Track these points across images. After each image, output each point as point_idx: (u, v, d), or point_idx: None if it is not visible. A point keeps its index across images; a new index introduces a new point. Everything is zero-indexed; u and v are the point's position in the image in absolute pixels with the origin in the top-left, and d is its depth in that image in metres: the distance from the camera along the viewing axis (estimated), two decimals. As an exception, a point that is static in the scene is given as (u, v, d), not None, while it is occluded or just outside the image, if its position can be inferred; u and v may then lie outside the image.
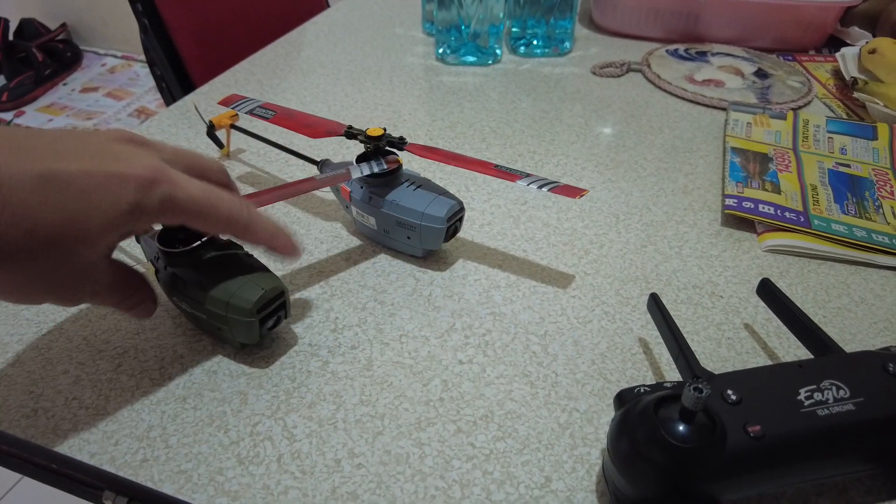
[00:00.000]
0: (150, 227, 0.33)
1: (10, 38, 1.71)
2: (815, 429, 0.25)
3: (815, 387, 0.26)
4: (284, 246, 0.32)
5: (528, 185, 0.36)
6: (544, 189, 0.36)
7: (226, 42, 0.90)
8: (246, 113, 0.44)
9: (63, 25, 1.86)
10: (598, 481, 0.28)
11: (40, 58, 1.65)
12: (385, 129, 0.40)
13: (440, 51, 0.73)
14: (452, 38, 0.72)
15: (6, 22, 1.66)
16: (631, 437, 0.25)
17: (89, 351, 0.35)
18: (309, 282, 0.40)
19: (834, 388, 0.26)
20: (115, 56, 1.81)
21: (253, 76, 0.69)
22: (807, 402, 0.25)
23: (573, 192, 0.36)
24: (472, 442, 0.30)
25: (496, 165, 0.37)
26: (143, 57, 1.80)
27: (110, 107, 1.60)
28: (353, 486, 0.28)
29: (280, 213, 0.46)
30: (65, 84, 1.71)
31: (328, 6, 0.97)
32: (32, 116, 1.57)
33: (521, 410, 0.31)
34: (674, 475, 0.24)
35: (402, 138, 0.40)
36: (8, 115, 1.52)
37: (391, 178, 0.40)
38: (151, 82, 1.72)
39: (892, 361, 0.27)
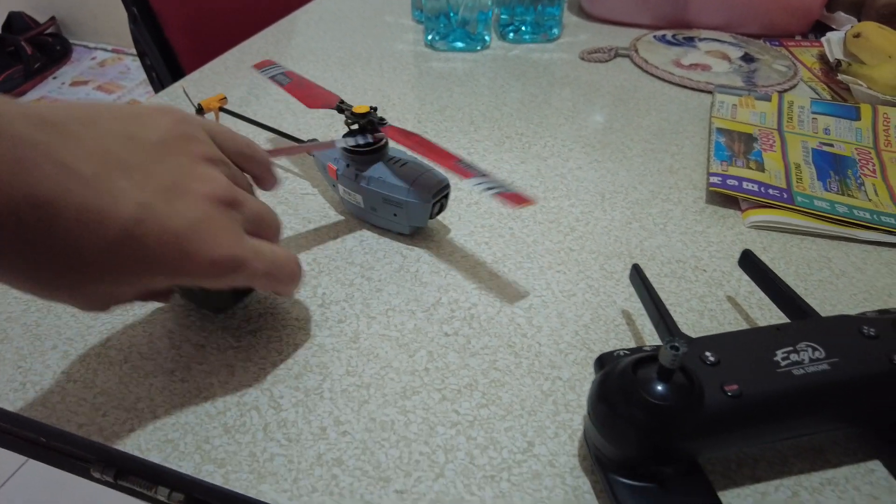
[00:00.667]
0: None
1: (-1, 32, 1.70)
2: (790, 388, 0.25)
3: (791, 348, 0.27)
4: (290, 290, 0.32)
5: (475, 185, 0.35)
6: (490, 193, 0.35)
7: (217, 32, 0.90)
8: (268, 77, 0.46)
9: (52, 19, 1.85)
10: (581, 445, 0.29)
11: (29, 51, 1.64)
12: (372, 108, 0.40)
13: (429, 37, 0.73)
14: (441, 25, 0.72)
15: (-5, 16, 1.65)
16: (610, 398, 0.25)
17: (78, 327, 0.35)
18: (296, 259, 0.40)
19: (810, 349, 0.26)
20: (105, 50, 1.81)
21: (243, 63, 0.69)
22: (783, 363, 0.26)
23: (518, 200, 0.34)
24: (457, 409, 0.30)
25: (458, 161, 0.37)
26: (133, 51, 1.80)
27: (101, 100, 1.59)
28: (338, 452, 0.28)
29: (269, 194, 0.47)
30: (54, 78, 1.70)
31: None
32: (23, 111, 1.57)
33: (505, 379, 0.32)
34: (653, 434, 0.24)
35: (381, 119, 0.40)
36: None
37: (377, 154, 0.40)
38: (142, 76, 1.71)
39: (867, 324, 0.28)
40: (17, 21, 1.71)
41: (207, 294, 0.34)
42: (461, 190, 0.47)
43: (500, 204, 0.45)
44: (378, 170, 0.40)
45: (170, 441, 0.29)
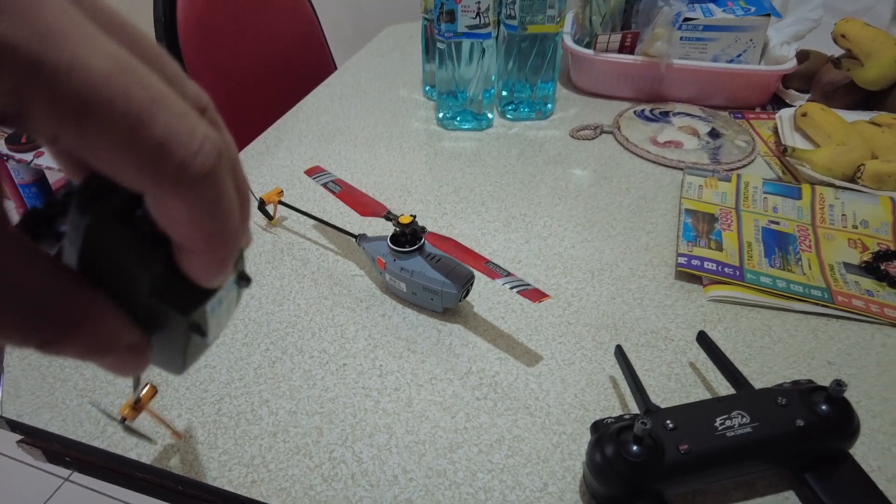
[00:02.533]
0: None
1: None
2: (725, 445, 0.37)
3: (727, 416, 0.38)
4: (213, 252, 0.16)
5: (503, 284, 0.47)
6: (514, 290, 0.47)
7: (246, 103, 1.01)
8: (321, 184, 0.57)
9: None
10: (581, 485, 0.40)
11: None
12: (414, 217, 0.51)
13: (440, 115, 0.84)
14: (450, 105, 0.83)
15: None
16: (602, 454, 0.37)
17: (194, 399, 0.46)
18: (356, 336, 0.51)
19: (739, 416, 0.38)
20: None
21: (282, 143, 0.80)
22: (720, 427, 0.37)
23: (536, 296, 0.46)
24: (491, 459, 0.42)
25: (486, 262, 0.49)
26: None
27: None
28: (408, 494, 0.39)
29: (324, 275, 0.58)
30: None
31: (335, 68, 1.09)
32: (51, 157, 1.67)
33: (525, 434, 0.43)
34: (631, 480, 0.36)
35: (423, 228, 0.52)
36: (28, 156, 1.61)
37: (417, 252, 0.52)
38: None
39: (781, 395, 0.39)
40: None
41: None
42: (480, 275, 0.58)
43: (547, 257, 0.56)
44: (418, 264, 0.51)
45: (283, 489, 0.40)
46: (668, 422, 0.37)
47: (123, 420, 0.39)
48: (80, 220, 0.15)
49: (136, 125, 0.13)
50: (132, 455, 0.42)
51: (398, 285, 0.53)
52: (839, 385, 0.37)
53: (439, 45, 0.77)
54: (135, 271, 0.16)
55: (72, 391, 0.47)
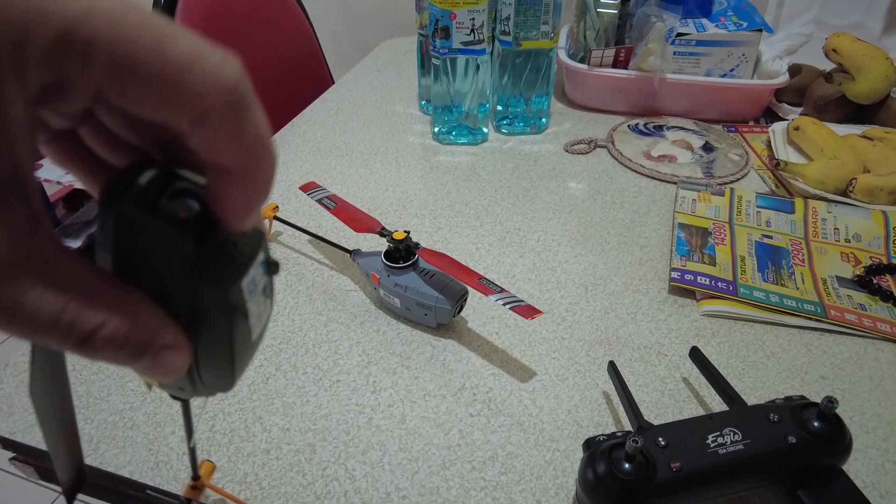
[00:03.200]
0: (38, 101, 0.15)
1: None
2: (717, 463, 0.37)
3: (718, 433, 0.38)
4: (261, 164, 0.17)
5: (496, 300, 0.47)
6: (507, 307, 0.47)
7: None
8: (316, 200, 0.57)
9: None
10: (574, 503, 0.40)
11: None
12: (408, 233, 0.51)
13: (436, 129, 0.85)
14: (446, 119, 0.84)
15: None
16: (594, 472, 0.37)
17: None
18: (350, 352, 0.51)
19: (731, 433, 0.38)
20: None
21: (278, 158, 0.80)
22: (712, 445, 0.37)
23: (529, 312, 0.46)
24: (484, 476, 0.41)
25: (480, 279, 0.49)
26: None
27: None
28: (401, 512, 0.39)
29: (319, 290, 0.58)
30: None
31: (333, 82, 1.10)
32: (49, 170, 1.65)
33: (518, 451, 0.43)
34: (623, 498, 0.36)
35: (417, 244, 0.52)
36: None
37: (411, 267, 0.52)
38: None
39: (773, 412, 0.39)
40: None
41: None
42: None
43: (542, 271, 0.57)
44: (412, 279, 0.51)
45: (276, 506, 0.40)
46: (660, 439, 0.37)
47: (189, 502, 0.38)
48: (108, 218, 0.15)
49: (162, 49, 0.13)
50: (124, 473, 0.42)
51: (392, 301, 0.53)
52: (830, 402, 0.37)
53: (435, 60, 0.78)
54: (167, 254, 0.16)
55: (65, 408, 0.46)
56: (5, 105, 0.12)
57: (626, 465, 0.35)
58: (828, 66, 0.89)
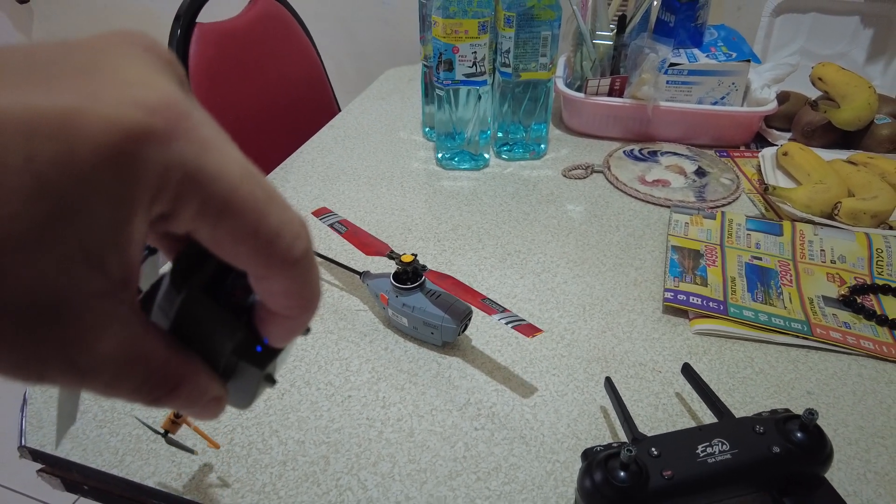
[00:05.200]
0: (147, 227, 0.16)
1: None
2: (706, 471, 0.39)
3: (708, 443, 0.41)
4: (305, 316, 0.19)
5: (499, 319, 0.50)
6: (509, 326, 0.50)
7: (255, 143, 1.06)
8: (327, 225, 0.60)
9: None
10: (574, 510, 0.43)
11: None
12: (415, 256, 0.55)
13: (439, 156, 0.89)
14: (449, 146, 0.88)
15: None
16: (591, 480, 0.39)
17: (206, 428, 0.49)
18: (360, 369, 0.54)
19: (720, 443, 0.41)
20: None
21: (288, 183, 0.84)
22: (702, 454, 0.40)
23: (530, 331, 0.49)
24: (488, 486, 0.44)
25: (483, 299, 0.52)
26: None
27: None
28: (410, 519, 0.42)
29: (330, 310, 0.61)
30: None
31: (339, 108, 1.14)
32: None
33: (521, 463, 0.46)
34: (619, 504, 0.38)
35: (424, 266, 0.55)
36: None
37: (418, 288, 0.55)
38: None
39: (759, 424, 0.42)
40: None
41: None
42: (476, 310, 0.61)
43: (542, 292, 0.60)
44: (419, 300, 0.54)
45: (293, 515, 0.42)
46: (653, 449, 0.40)
47: (166, 433, 0.42)
48: (175, 296, 0.18)
49: (258, 219, 0.16)
50: (150, 483, 0.45)
51: (400, 320, 0.56)
52: (811, 414, 0.40)
53: (438, 91, 0.82)
54: (221, 336, 0.18)
55: (91, 422, 0.49)
56: (133, 229, 0.15)
57: (621, 474, 0.38)
58: (814, 93, 0.93)
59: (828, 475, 0.42)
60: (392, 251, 0.57)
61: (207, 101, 0.98)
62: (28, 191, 0.13)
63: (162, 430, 0.43)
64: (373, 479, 0.45)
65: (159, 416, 0.48)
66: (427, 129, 0.97)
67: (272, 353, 0.20)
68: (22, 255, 0.13)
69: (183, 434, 0.45)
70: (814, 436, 0.41)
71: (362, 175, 0.86)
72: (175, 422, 0.43)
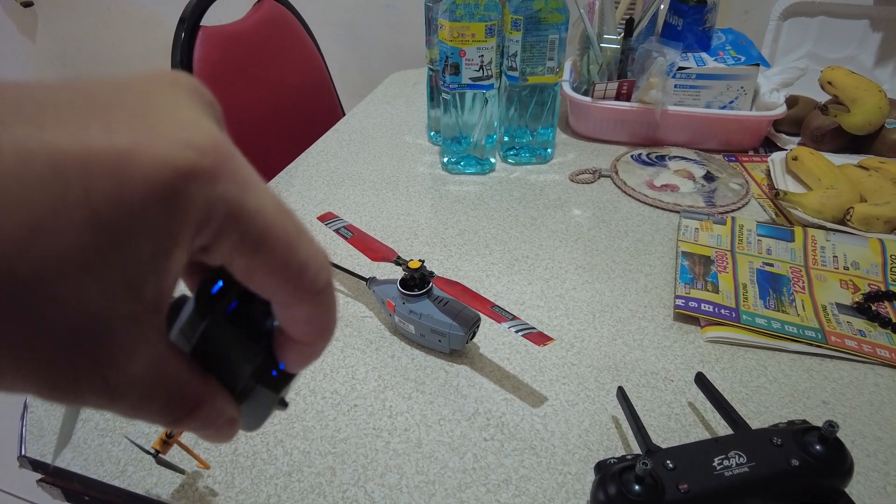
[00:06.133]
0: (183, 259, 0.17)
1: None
2: (723, 484, 0.38)
3: (724, 456, 0.40)
4: (324, 343, 0.20)
5: (508, 327, 0.49)
6: (519, 334, 0.49)
7: (259, 148, 1.05)
8: (333, 230, 0.59)
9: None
10: (586, 524, 0.41)
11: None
12: (422, 262, 0.54)
13: (445, 160, 0.88)
14: (454, 150, 0.87)
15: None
16: (605, 494, 0.38)
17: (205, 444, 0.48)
18: (366, 377, 0.53)
19: (737, 456, 0.40)
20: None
21: (293, 187, 0.83)
22: (718, 467, 0.39)
23: (540, 339, 0.48)
24: (498, 499, 0.43)
25: (492, 306, 0.51)
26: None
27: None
28: (419, 533, 0.41)
29: (334, 317, 0.60)
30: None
31: (343, 112, 1.13)
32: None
33: (531, 475, 0.45)
34: (634, 519, 0.37)
35: (431, 272, 0.54)
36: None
37: (425, 295, 0.54)
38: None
39: (776, 435, 0.41)
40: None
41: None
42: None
43: (551, 298, 0.59)
44: (426, 307, 0.53)
45: (298, 527, 0.41)
46: (668, 462, 0.39)
47: (157, 453, 0.42)
48: (199, 322, 0.18)
49: (289, 252, 0.17)
50: (152, 495, 0.44)
51: (407, 327, 0.55)
52: (831, 426, 0.39)
53: (444, 95, 0.81)
54: (241, 361, 0.19)
55: (93, 431, 0.48)
56: (172, 260, 0.16)
57: (636, 487, 0.37)
58: (823, 97, 0.92)
59: (847, 488, 0.40)
60: (399, 257, 0.56)
61: (211, 104, 0.98)
62: (82, 223, 0.14)
63: (153, 451, 0.42)
64: (380, 490, 0.44)
65: (151, 435, 0.47)
66: (432, 134, 0.96)
67: (288, 378, 0.20)
68: (70, 283, 0.14)
69: (175, 454, 0.44)
70: (834, 448, 0.39)
71: (367, 179, 0.85)
72: (166, 442, 0.42)
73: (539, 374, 0.53)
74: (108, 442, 0.48)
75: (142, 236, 0.15)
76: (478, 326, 0.54)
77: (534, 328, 0.49)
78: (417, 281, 0.54)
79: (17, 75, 2.08)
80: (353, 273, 0.61)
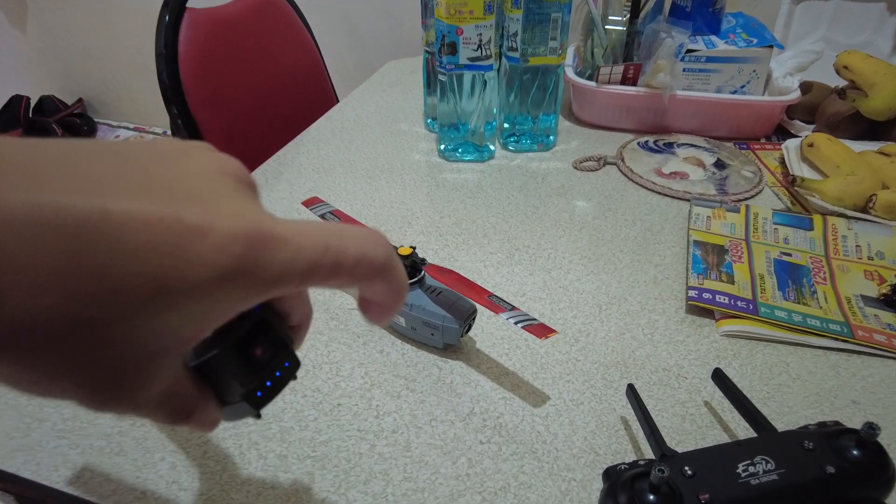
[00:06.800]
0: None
1: (31, 114, 1.81)
2: (749, 495, 0.34)
3: (749, 461, 0.35)
4: (401, 301, 0.24)
5: (507, 318, 0.45)
6: (519, 325, 0.44)
7: (249, 136, 1.01)
8: (318, 215, 0.55)
9: (79, 101, 1.97)
10: (593, 538, 0.37)
11: (59, 132, 1.74)
12: (413, 249, 0.49)
13: (442, 147, 0.83)
14: (452, 137, 0.82)
15: (27, 100, 1.77)
16: (615, 505, 0.34)
17: (178, 440, 0.43)
18: (352, 374, 0.49)
19: (764, 461, 0.35)
20: (128, 128, 1.92)
21: (281, 175, 0.79)
22: (743, 474, 0.35)
23: (542, 331, 0.44)
24: (495, 509, 0.39)
25: (489, 296, 0.47)
26: (153, 128, 1.92)
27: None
28: (405, 547, 0.36)
29: (320, 309, 0.56)
30: (77, 154, 1.80)
31: (337, 100, 1.09)
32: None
33: (532, 482, 0.40)
34: (648, 533, 0.33)
35: (423, 260, 0.50)
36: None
37: (417, 285, 0.50)
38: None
39: (807, 439, 0.36)
40: (48, 104, 1.82)
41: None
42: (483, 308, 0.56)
43: (553, 290, 0.54)
44: (418, 297, 0.49)
45: (271, 541, 0.37)
46: (686, 468, 0.35)
47: None
48: (210, 349, 0.21)
49: (340, 261, 0.20)
50: (109, 502, 0.39)
51: (397, 320, 0.51)
52: (872, 428, 0.34)
53: (441, 76, 0.77)
54: (235, 384, 0.22)
55: (49, 432, 0.44)
56: (217, 316, 0.20)
57: (651, 497, 0.33)
58: (838, 83, 0.88)
59: (887, 500, 0.36)
60: (388, 243, 0.51)
61: (198, 90, 0.94)
62: (153, 291, 0.17)
63: None
64: (363, 499, 0.39)
65: (96, 445, 0.43)
66: (429, 121, 0.92)
67: (270, 397, 0.23)
68: (133, 330, 0.17)
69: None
70: (874, 454, 0.35)
71: (360, 167, 0.81)
72: None
73: (541, 371, 0.49)
74: (66, 444, 0.43)
75: (200, 301, 0.18)
76: (474, 319, 0.49)
77: (535, 319, 0.44)
78: (408, 269, 0.50)
79: (7, 67, 2.03)
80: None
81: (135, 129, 1.91)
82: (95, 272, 0.16)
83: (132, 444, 0.43)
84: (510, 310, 0.45)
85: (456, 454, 0.42)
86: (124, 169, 0.18)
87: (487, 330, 0.53)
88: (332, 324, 0.54)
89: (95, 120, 1.91)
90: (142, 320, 0.17)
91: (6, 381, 0.17)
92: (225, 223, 0.18)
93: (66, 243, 0.15)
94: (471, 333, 0.52)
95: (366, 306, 0.24)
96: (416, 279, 0.49)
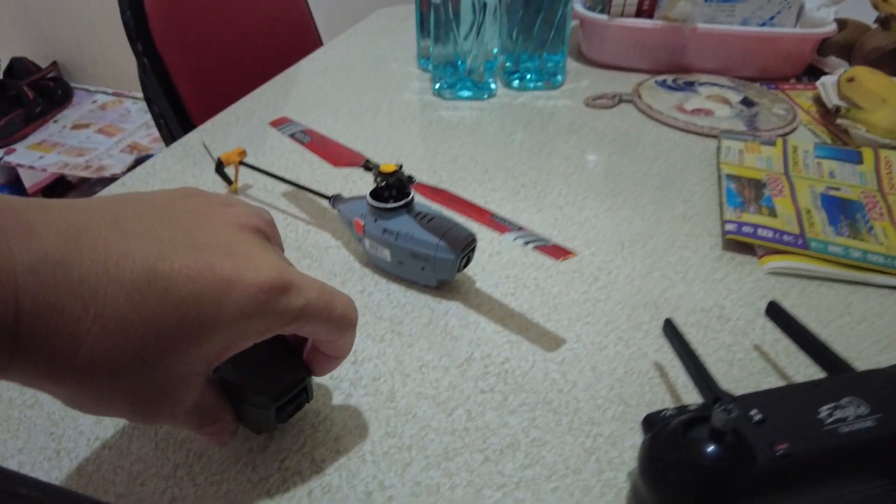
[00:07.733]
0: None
1: (1, 77, 1.72)
2: (839, 445, 0.26)
3: (834, 404, 0.27)
4: (346, 355, 0.31)
5: (514, 239, 0.36)
6: (530, 246, 0.36)
7: (223, 81, 0.92)
8: (288, 135, 0.46)
9: (54, 64, 1.87)
10: (627, 505, 0.29)
11: (31, 96, 1.65)
12: (400, 166, 0.41)
13: (437, 86, 0.75)
14: (448, 74, 0.74)
15: (-5, 62, 1.67)
16: (662, 460, 0.25)
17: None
18: (326, 315, 0.40)
19: (854, 404, 0.27)
20: (106, 93, 1.83)
21: (253, 114, 0.70)
22: (828, 420, 0.26)
23: (558, 252, 0.35)
24: (501, 470, 0.30)
25: (492, 215, 0.38)
26: (133, 94, 1.82)
27: (102, 143, 1.60)
28: (385, 518, 0.28)
29: (293, 247, 0.47)
30: (55, 121, 1.71)
31: (321, 44, 1.00)
32: (23, 154, 1.57)
33: (546, 437, 0.32)
34: (705, 496, 0.25)
35: (410, 177, 0.41)
36: (-2, 153, 1.52)
37: (404, 209, 0.41)
38: (142, 118, 1.72)
39: (903, 377, 0.28)
40: (18, 67, 1.73)
41: (251, 412, 0.29)
42: (483, 240, 0.47)
43: (542, 257, 0.46)
44: (405, 224, 0.41)
45: (213, 511, 0.29)
46: (753, 412, 0.26)
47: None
48: (235, 372, 0.28)
49: (331, 314, 0.27)
50: (11, 463, 0.31)
51: (381, 253, 0.42)
52: None
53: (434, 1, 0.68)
54: (257, 421, 0.29)
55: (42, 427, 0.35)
56: (243, 344, 0.25)
57: (712, 448, 0.24)
58: (872, 22, 0.79)
59: None
60: (368, 160, 0.42)
61: (167, 40, 0.84)
62: (194, 331, 0.22)
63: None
64: (333, 458, 0.31)
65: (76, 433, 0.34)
66: (422, 61, 0.83)
67: (284, 418, 0.30)
68: (175, 359, 0.23)
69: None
70: None
71: (343, 107, 0.72)
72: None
73: (553, 313, 0.41)
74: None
75: (227, 335, 0.23)
76: (473, 250, 0.41)
77: (548, 240, 0.36)
78: (394, 192, 0.41)
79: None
80: (312, 190, 0.48)
81: (113, 94, 1.81)
82: (150, 319, 0.21)
83: (48, 397, 0.34)
84: (517, 230, 0.37)
85: (451, 405, 0.34)
86: (166, 229, 0.23)
87: (489, 268, 0.45)
88: (306, 262, 0.46)
89: (71, 85, 1.82)
90: (182, 352, 0.23)
91: (73, 402, 0.23)
92: (251, 274, 0.23)
93: (128, 296, 0.21)
94: (469, 272, 0.44)
95: (320, 361, 0.30)
96: (402, 202, 0.41)
